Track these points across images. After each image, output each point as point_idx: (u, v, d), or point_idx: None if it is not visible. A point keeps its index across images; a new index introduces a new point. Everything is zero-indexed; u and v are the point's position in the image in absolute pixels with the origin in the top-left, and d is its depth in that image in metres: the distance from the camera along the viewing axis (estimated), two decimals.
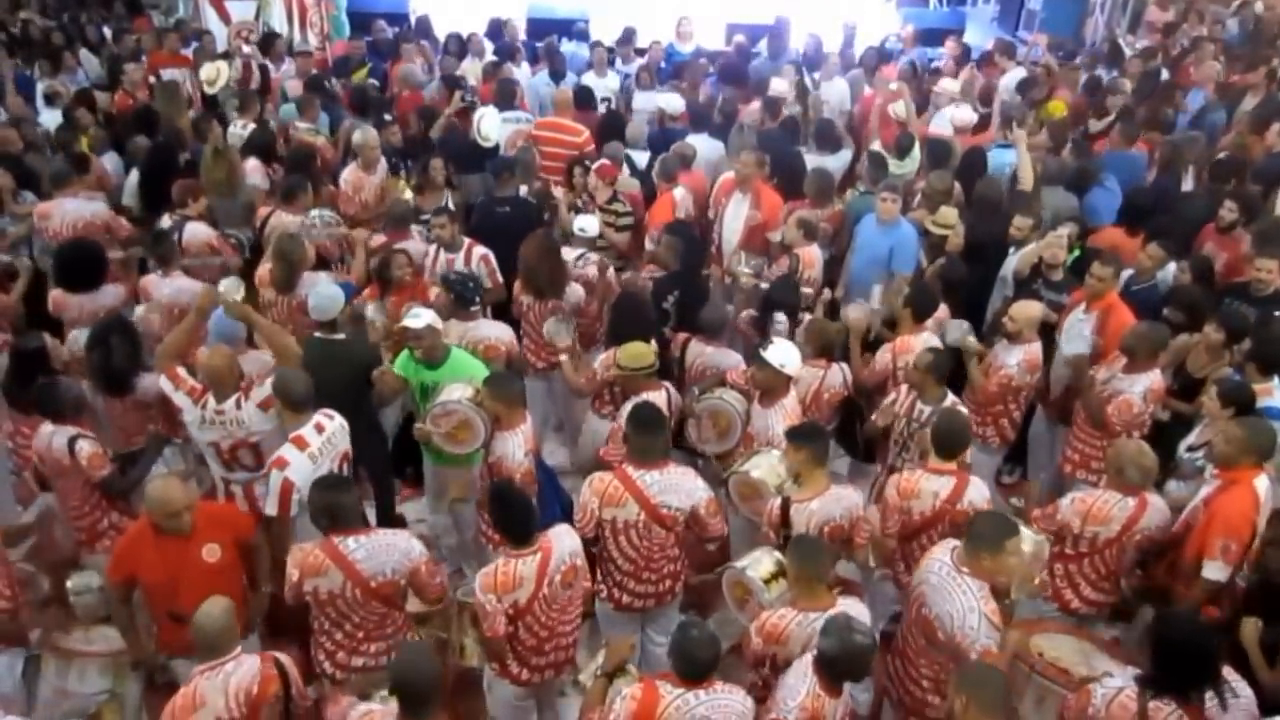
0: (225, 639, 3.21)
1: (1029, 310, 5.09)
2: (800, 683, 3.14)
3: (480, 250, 5.84)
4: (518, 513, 3.67)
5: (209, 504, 4.14)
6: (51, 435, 4.27)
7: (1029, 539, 3.75)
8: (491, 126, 7.38)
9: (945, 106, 8.06)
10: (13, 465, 5.11)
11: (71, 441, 4.23)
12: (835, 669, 3.11)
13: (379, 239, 5.95)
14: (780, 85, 8.19)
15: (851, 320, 5.25)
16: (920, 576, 3.66)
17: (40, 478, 4.52)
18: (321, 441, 4.16)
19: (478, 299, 5.14)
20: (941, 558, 3.59)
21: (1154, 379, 4.77)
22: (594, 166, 6.65)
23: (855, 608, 3.50)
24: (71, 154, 6.84)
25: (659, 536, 4.03)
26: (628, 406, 4.58)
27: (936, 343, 5.02)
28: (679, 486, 3.99)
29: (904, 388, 4.78)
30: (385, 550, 3.63)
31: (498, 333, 5.21)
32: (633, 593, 4.12)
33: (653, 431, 4.01)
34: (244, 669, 3.21)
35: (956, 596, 3.45)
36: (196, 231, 5.99)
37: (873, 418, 4.86)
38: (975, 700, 2.91)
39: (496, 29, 10.10)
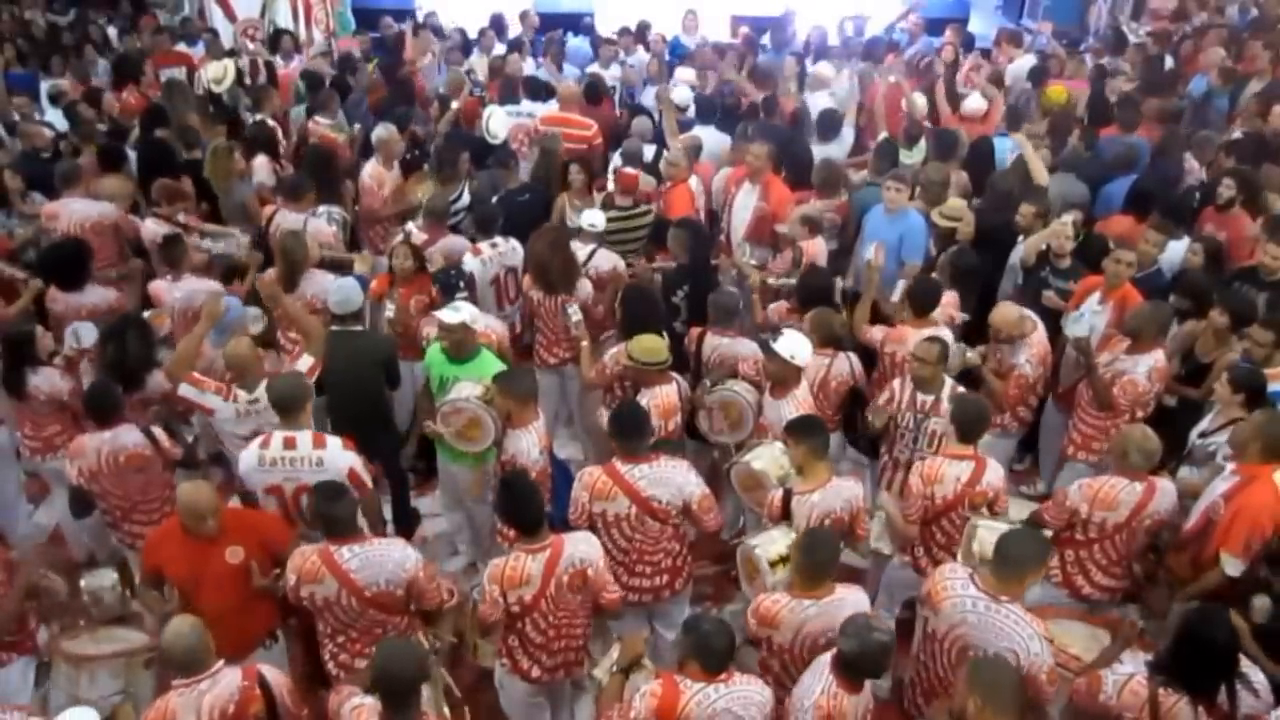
0: (196, 657, 3.14)
1: (1006, 313, 5.06)
2: (816, 682, 3.15)
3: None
4: (526, 504, 3.68)
5: (243, 509, 4.13)
6: (114, 437, 4.27)
7: (992, 528, 3.78)
8: (500, 124, 7.40)
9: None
10: (29, 464, 5.13)
11: (147, 431, 4.30)
12: (856, 668, 3.12)
13: (421, 236, 5.95)
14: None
15: (873, 261, 5.27)
16: (951, 617, 3.46)
17: (85, 497, 4.36)
18: (283, 455, 4.09)
19: (461, 287, 5.17)
20: (966, 592, 3.43)
21: (1158, 359, 4.78)
22: (614, 174, 6.60)
23: (853, 597, 3.51)
24: (109, 150, 6.89)
25: (652, 530, 4.04)
26: (641, 399, 4.62)
27: (943, 336, 5.04)
28: (669, 480, 4.01)
29: (897, 382, 4.75)
30: (379, 560, 3.61)
31: (488, 322, 5.22)
32: (627, 586, 4.11)
33: (635, 436, 4.03)
34: (221, 686, 3.14)
35: (1011, 630, 3.34)
36: (156, 232, 6.01)
37: (869, 418, 4.79)
38: (991, 703, 2.89)
39: (500, 24, 10.09)
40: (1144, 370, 4.73)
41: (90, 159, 6.88)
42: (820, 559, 3.46)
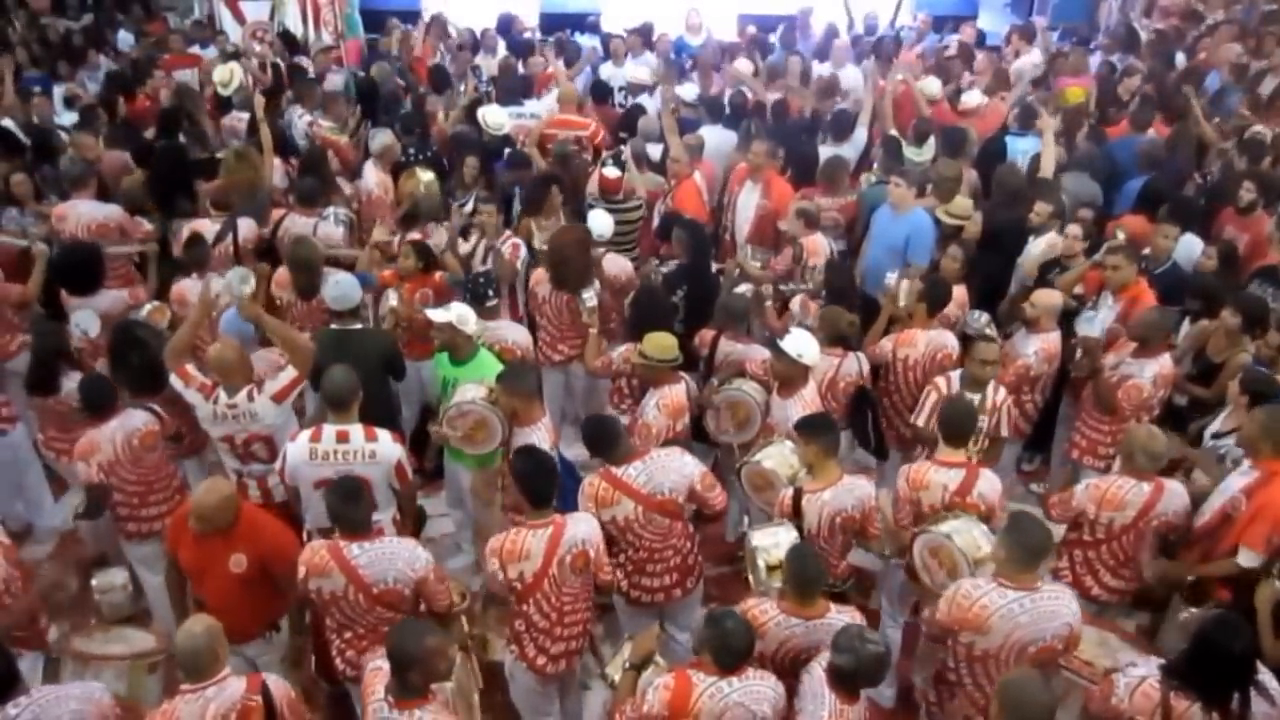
0: (206, 661, 3.13)
1: (1050, 298, 5.05)
2: (820, 707, 3.12)
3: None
4: (542, 474, 3.70)
5: (261, 514, 4.05)
6: (122, 424, 4.31)
7: (960, 531, 3.75)
8: (496, 117, 7.39)
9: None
10: (54, 464, 5.14)
11: (152, 412, 4.37)
12: (853, 681, 3.11)
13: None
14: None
15: (890, 288, 5.23)
16: (1003, 628, 3.36)
17: (103, 495, 4.32)
18: (336, 448, 4.10)
19: (490, 294, 5.15)
20: (1005, 600, 3.34)
21: (1164, 364, 4.75)
22: (599, 175, 6.56)
23: (844, 622, 3.40)
24: (142, 147, 6.96)
25: (660, 527, 4.02)
26: (649, 398, 4.62)
27: (949, 338, 5.02)
28: (667, 468, 3.98)
29: (942, 381, 4.70)
30: (388, 559, 3.62)
31: (516, 336, 5.23)
32: (639, 587, 4.11)
33: (610, 445, 4.00)
34: (225, 695, 3.12)
35: (1056, 608, 3.40)
36: (251, 227, 6.10)
37: (917, 423, 4.72)
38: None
39: (507, 25, 10.10)
40: (1149, 375, 4.71)
41: (108, 159, 6.93)
42: (807, 577, 3.42)
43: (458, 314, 4.67)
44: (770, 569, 3.66)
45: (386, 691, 3.09)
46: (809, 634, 3.42)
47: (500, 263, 5.86)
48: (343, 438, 4.12)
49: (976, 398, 4.55)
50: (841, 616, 3.44)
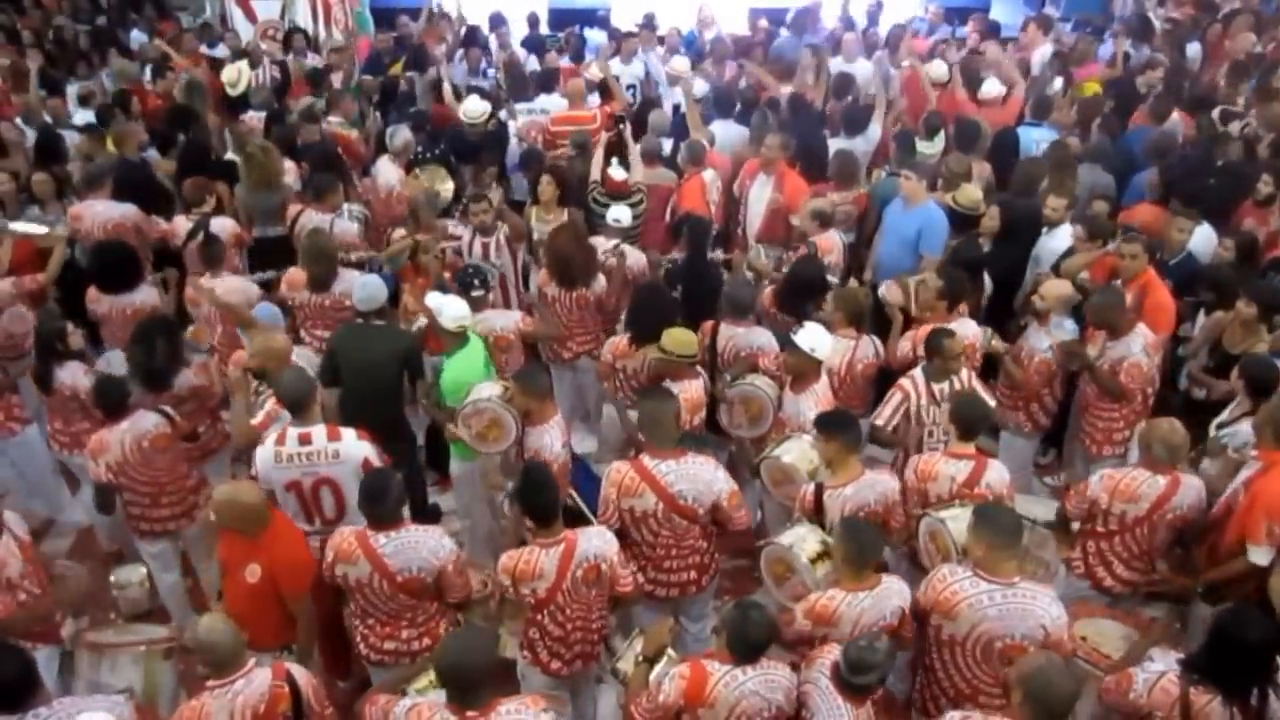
0: (231, 655, 3.17)
1: (1060, 288, 5.02)
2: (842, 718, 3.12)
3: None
4: (543, 492, 3.68)
5: (290, 530, 3.96)
6: (134, 425, 4.33)
7: (956, 518, 3.74)
8: (476, 106, 7.39)
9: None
10: (59, 457, 5.19)
11: (164, 414, 4.41)
12: (869, 689, 3.12)
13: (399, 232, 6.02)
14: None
15: (889, 298, 5.18)
16: (972, 618, 3.39)
17: (110, 494, 4.38)
18: (299, 450, 4.08)
19: (478, 286, 5.19)
20: (978, 589, 3.37)
21: (1144, 333, 4.78)
22: (603, 177, 6.56)
23: (897, 585, 3.52)
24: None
25: (679, 527, 4.02)
26: None
27: (970, 325, 4.99)
28: (697, 477, 3.96)
29: (907, 382, 4.62)
30: (413, 548, 3.67)
31: (504, 322, 5.30)
32: (654, 581, 4.11)
33: (662, 430, 3.99)
34: (253, 686, 3.17)
35: (1031, 607, 3.37)
36: (225, 226, 6.11)
37: (878, 424, 4.65)
38: (1034, 707, 2.88)
39: (500, 21, 10.06)
40: (1139, 348, 4.74)
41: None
42: (864, 542, 3.44)
43: (436, 303, 4.72)
44: (813, 561, 3.66)
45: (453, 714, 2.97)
46: (875, 605, 3.42)
47: (513, 226, 5.94)
48: (305, 440, 4.10)
49: (944, 386, 4.53)
50: (892, 580, 3.52)
